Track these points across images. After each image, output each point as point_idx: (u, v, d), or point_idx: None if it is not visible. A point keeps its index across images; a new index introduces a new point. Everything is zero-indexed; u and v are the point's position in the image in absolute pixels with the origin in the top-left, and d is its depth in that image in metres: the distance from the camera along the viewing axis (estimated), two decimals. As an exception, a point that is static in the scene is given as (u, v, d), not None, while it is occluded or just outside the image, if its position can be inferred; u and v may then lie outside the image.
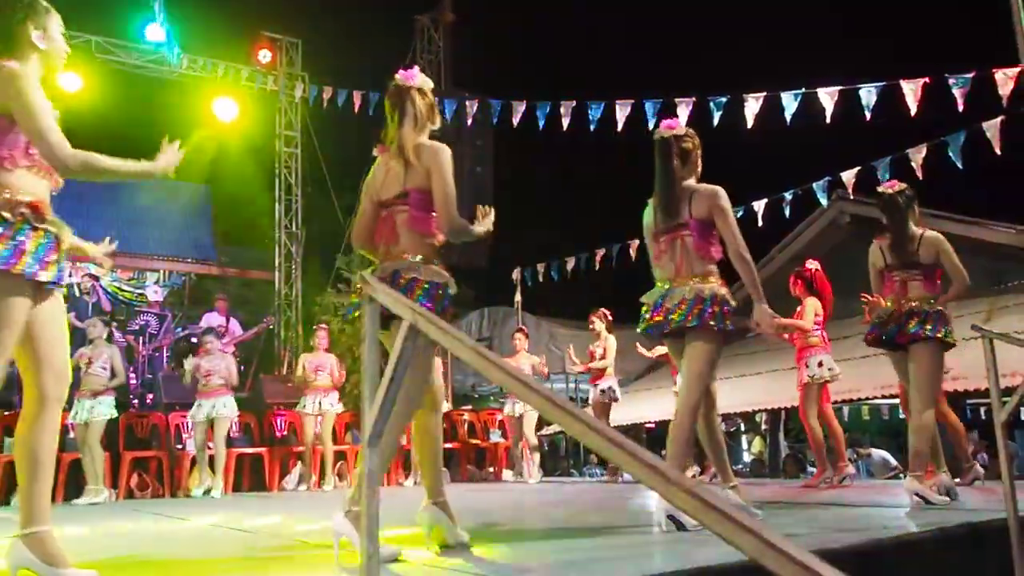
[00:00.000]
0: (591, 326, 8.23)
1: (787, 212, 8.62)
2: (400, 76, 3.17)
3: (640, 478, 1.13)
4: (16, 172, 2.43)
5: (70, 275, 2.46)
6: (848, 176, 7.90)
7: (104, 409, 7.18)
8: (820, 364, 6.06)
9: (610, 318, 8.19)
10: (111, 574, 2.72)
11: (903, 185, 4.56)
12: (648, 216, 3.75)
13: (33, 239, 2.39)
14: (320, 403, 8.18)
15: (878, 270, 4.55)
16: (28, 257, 2.36)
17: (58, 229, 2.50)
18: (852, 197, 9.61)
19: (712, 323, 3.47)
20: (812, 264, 6.36)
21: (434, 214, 3.00)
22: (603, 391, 8.00)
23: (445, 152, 3.02)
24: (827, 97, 7.12)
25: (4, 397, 7.81)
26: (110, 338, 7.76)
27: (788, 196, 8.55)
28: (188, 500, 7.45)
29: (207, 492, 7.50)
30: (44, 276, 2.39)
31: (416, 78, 3.17)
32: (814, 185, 8.22)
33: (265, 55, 13.10)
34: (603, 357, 8.03)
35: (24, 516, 2.36)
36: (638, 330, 3.76)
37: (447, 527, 2.94)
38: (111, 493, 7.30)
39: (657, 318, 3.58)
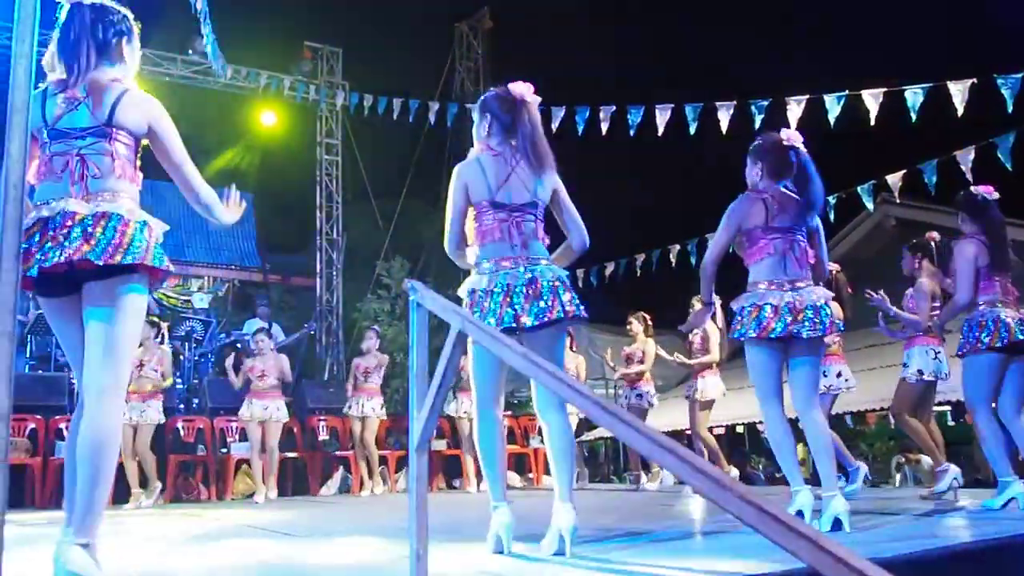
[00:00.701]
0: (628, 327, 8.13)
1: (831, 216, 8.50)
2: (523, 90, 3.25)
3: (693, 484, 1.13)
4: (136, 187, 2.64)
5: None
6: (894, 179, 7.77)
7: (153, 413, 7.23)
8: (839, 375, 5.94)
9: (649, 321, 8.06)
10: None
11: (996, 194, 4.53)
12: (750, 209, 3.64)
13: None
14: (363, 405, 8.19)
15: (975, 267, 4.41)
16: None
17: None
18: (898, 200, 9.44)
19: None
20: (832, 266, 6.24)
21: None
22: (640, 395, 7.91)
23: None
24: (872, 99, 7.02)
25: (56, 401, 7.99)
26: (162, 339, 7.80)
27: (832, 200, 8.44)
28: (235, 504, 7.56)
29: (250, 496, 7.57)
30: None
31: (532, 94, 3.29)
32: (859, 188, 8.10)
33: (306, 64, 13.30)
34: (642, 360, 7.92)
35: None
36: (767, 336, 3.53)
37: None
38: (158, 497, 7.36)
39: (790, 320, 3.50)
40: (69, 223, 2.40)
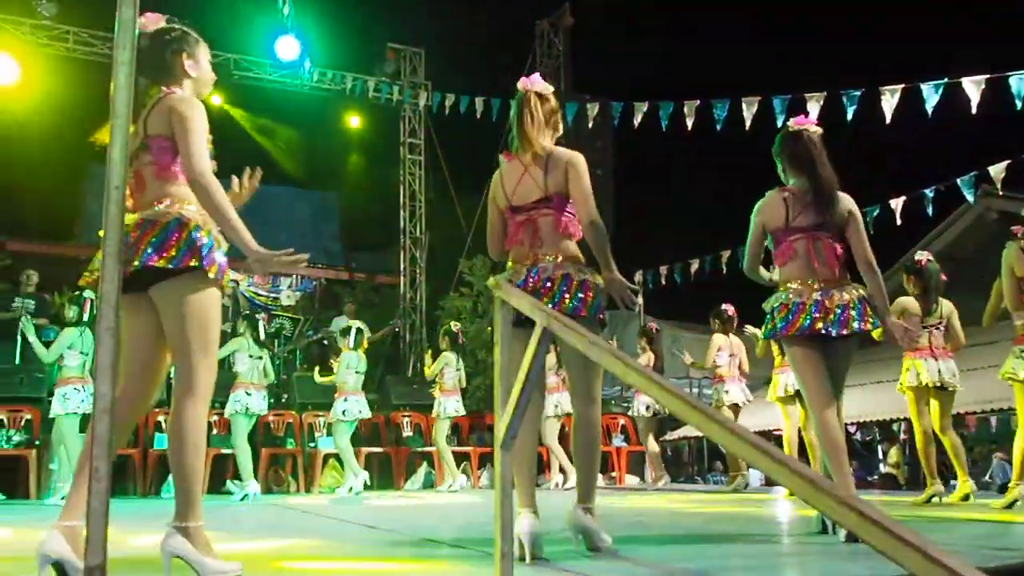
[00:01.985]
0: (712, 327, 7.99)
1: (929, 210, 8.14)
2: (526, 82, 3.24)
3: (790, 487, 1.09)
4: (186, 186, 2.62)
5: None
6: (996, 170, 7.39)
7: (231, 405, 7.37)
8: (908, 369, 5.65)
9: (730, 315, 7.81)
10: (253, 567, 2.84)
11: None
12: (771, 209, 3.48)
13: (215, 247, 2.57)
14: (445, 407, 8.28)
15: (1016, 276, 4.28)
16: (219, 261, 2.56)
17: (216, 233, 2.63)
18: (1000, 193, 9.01)
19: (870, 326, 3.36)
20: (923, 255, 5.93)
21: (572, 215, 3.12)
22: (727, 392, 7.75)
23: (580, 156, 3.15)
24: (972, 87, 6.68)
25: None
26: (256, 339, 7.93)
27: (929, 193, 8.08)
28: (323, 496, 7.73)
29: (351, 490, 7.68)
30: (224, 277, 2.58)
31: (536, 84, 3.23)
32: (958, 180, 7.73)
33: (390, 66, 13.51)
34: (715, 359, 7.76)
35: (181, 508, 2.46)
36: (795, 333, 3.38)
37: (593, 532, 2.95)
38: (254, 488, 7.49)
39: (818, 318, 3.33)
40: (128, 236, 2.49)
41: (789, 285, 3.45)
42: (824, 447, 3.30)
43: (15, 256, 11.91)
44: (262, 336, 8.14)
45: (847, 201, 3.48)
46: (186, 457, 2.48)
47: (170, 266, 2.45)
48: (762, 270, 3.72)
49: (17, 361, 8.43)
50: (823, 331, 3.31)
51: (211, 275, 2.51)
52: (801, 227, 3.43)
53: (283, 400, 9.82)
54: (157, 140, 2.59)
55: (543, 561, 2.72)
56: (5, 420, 7.59)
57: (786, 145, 3.54)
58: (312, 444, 8.76)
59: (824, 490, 1.04)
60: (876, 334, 3.49)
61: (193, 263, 2.47)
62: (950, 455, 5.61)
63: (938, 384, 5.59)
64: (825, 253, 3.41)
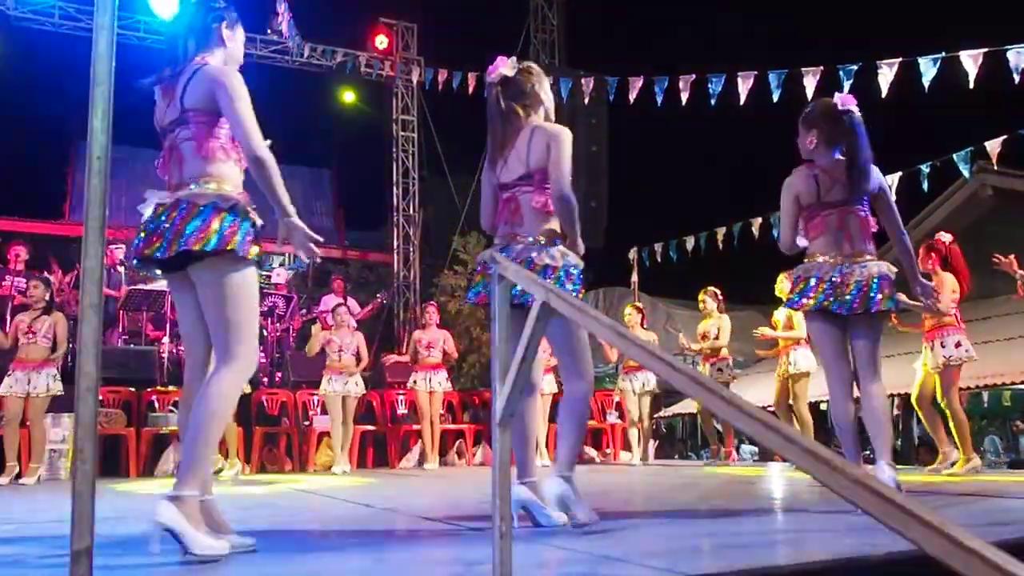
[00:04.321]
0: (702, 305, 8.04)
1: (924, 185, 8.10)
2: (492, 68, 3.26)
3: (800, 465, 1.06)
4: (228, 163, 2.63)
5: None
6: (992, 146, 7.35)
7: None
8: (958, 344, 5.81)
9: (720, 296, 7.96)
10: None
11: None
12: (803, 185, 3.55)
13: (252, 229, 2.61)
14: (430, 380, 8.26)
15: None
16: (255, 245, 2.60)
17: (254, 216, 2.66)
18: (996, 168, 8.98)
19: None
20: (946, 236, 6.08)
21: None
22: (719, 370, 7.82)
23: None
24: (970, 61, 6.63)
25: (147, 374, 8.30)
26: None
27: (925, 169, 8.04)
28: (317, 475, 7.73)
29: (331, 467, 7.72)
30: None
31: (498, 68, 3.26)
32: (954, 156, 7.69)
33: (381, 41, 13.35)
34: (717, 337, 7.83)
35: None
36: (809, 309, 3.50)
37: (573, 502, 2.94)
38: (241, 467, 7.60)
39: (829, 296, 3.43)
40: (159, 213, 2.55)
41: (815, 258, 3.53)
42: (835, 422, 3.44)
43: (3, 234, 11.78)
44: None
45: (879, 176, 3.54)
46: (206, 424, 2.46)
47: (207, 248, 2.46)
48: (799, 239, 3.71)
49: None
50: (833, 310, 3.41)
51: (250, 256, 2.55)
52: (833, 202, 3.49)
53: (276, 379, 9.78)
54: (203, 113, 2.57)
55: (538, 538, 2.70)
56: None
57: (829, 119, 3.54)
58: (307, 422, 8.73)
59: (837, 468, 1.00)
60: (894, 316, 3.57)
61: (230, 247, 2.49)
62: (936, 426, 5.95)
63: (972, 359, 5.85)
64: (856, 228, 3.48)
